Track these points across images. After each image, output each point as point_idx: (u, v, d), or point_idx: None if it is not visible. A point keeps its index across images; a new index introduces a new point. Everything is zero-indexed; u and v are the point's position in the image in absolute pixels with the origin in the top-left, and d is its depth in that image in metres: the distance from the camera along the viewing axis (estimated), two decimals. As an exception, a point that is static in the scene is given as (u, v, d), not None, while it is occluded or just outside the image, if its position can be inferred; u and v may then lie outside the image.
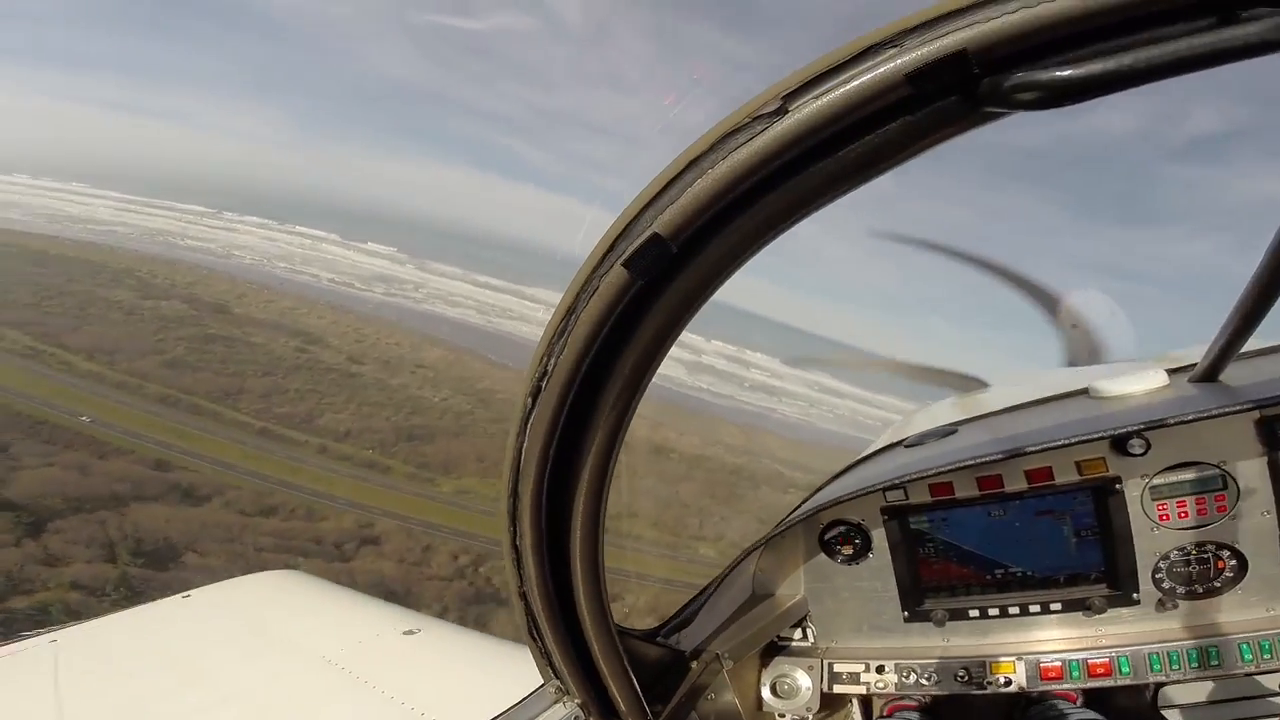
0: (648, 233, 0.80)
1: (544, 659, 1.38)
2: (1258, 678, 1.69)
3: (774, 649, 2.03)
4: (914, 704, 2.57)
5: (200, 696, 2.87)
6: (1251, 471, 1.61)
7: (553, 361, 0.95)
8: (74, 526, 35.40)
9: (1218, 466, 1.62)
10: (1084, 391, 1.92)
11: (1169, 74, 0.62)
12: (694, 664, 1.67)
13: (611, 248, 0.84)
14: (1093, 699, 2.26)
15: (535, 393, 0.99)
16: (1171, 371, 1.79)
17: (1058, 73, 0.61)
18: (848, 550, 1.94)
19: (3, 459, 40.63)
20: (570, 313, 0.90)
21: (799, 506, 1.97)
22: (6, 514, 34.52)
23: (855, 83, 0.66)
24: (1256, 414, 1.57)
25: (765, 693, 1.99)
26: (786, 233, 0.87)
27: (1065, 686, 1.77)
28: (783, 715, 2.01)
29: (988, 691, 1.81)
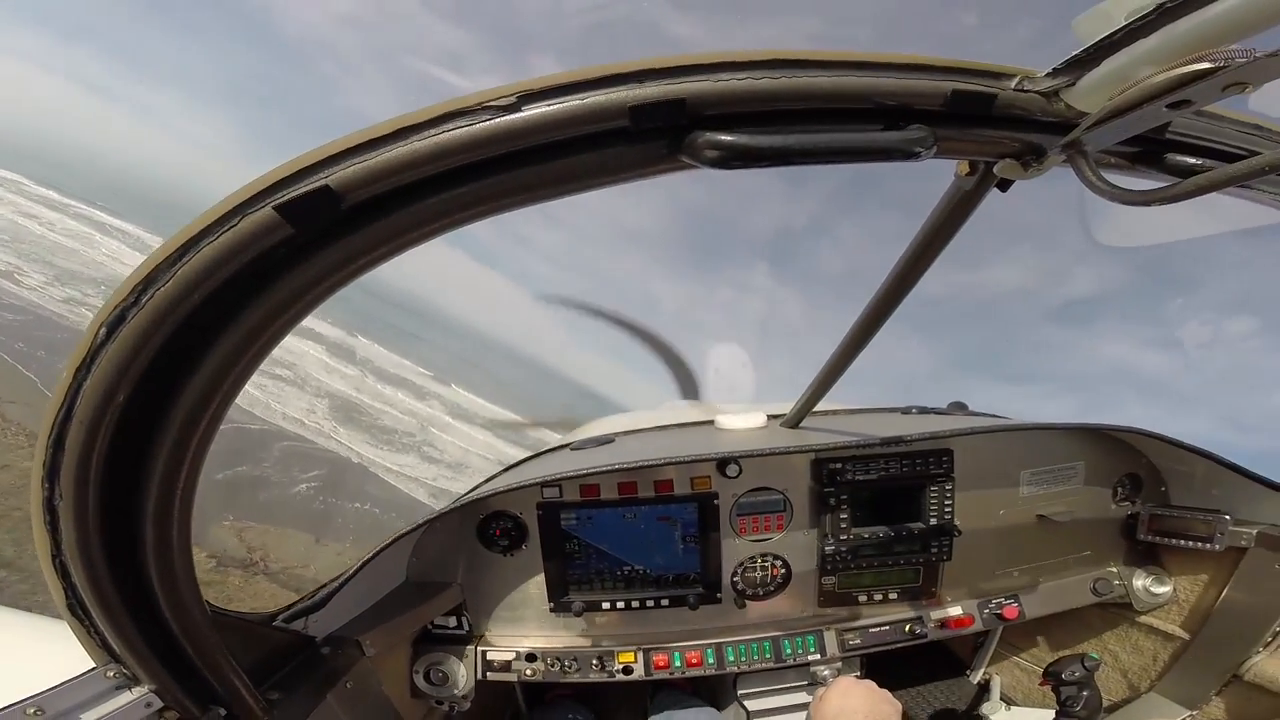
0: (320, 183, 0.73)
1: (93, 639, 1.21)
2: (811, 668, 2.12)
3: (430, 637, 2.06)
4: (570, 691, 2.78)
5: None
6: (802, 499, 2.11)
7: (152, 291, 0.80)
8: None
9: (782, 492, 2.09)
10: (711, 422, 2.35)
11: (823, 158, 0.74)
12: (325, 650, 1.60)
13: (270, 189, 0.74)
14: (701, 685, 2.66)
15: (116, 323, 0.82)
16: (771, 416, 2.29)
17: (738, 139, 0.71)
18: (504, 542, 2.06)
19: None
20: (192, 243, 0.77)
21: (463, 495, 2.04)
22: None
23: (586, 100, 0.70)
24: (813, 455, 2.07)
25: (419, 680, 2.01)
26: (464, 228, 0.81)
27: (670, 676, 2.05)
28: (440, 702, 2.04)
29: (617, 680, 2.03)
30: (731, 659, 2.06)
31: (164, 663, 1.29)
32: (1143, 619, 2.28)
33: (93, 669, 1.33)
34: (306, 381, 26.55)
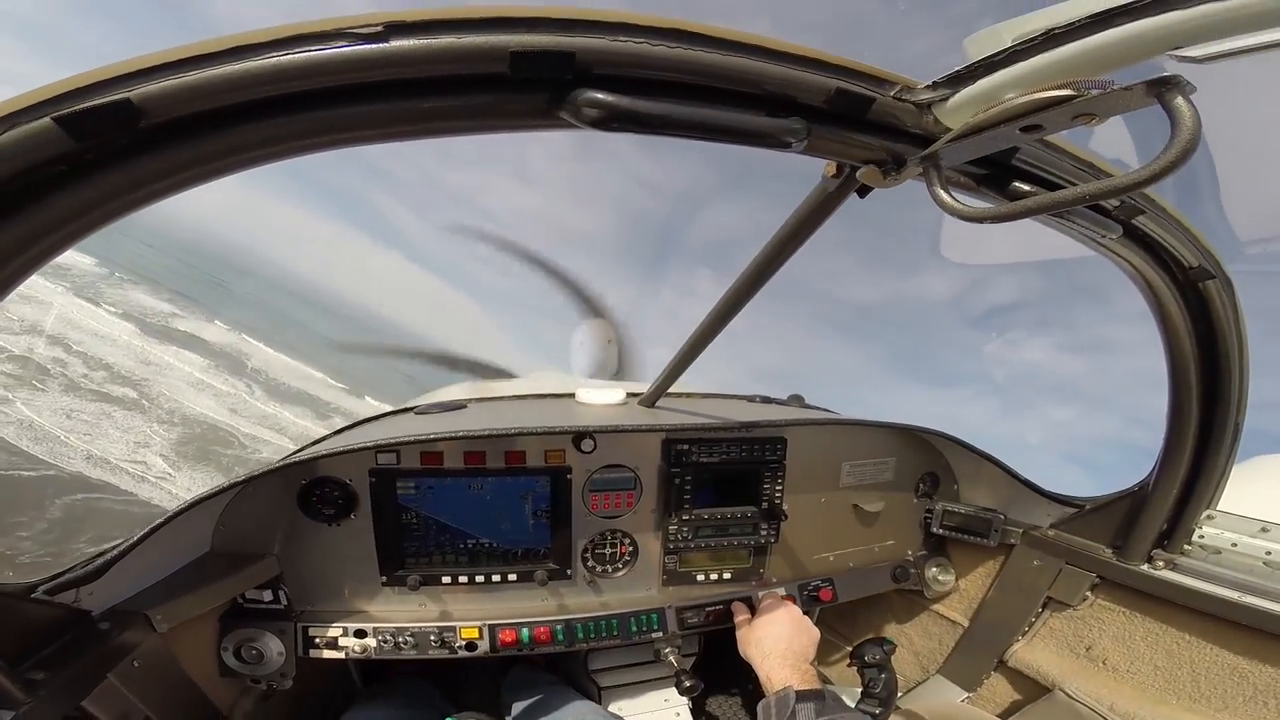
0: (119, 97, 0.62)
1: None
2: (655, 645, 2.15)
3: (241, 612, 1.86)
4: (415, 668, 2.61)
5: None
6: (651, 478, 2.17)
7: None
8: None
9: (634, 470, 2.14)
10: (573, 395, 2.36)
11: (700, 134, 0.74)
12: (104, 626, 1.40)
13: (54, 100, 0.62)
14: (551, 662, 2.61)
15: None
16: (630, 395, 2.34)
17: (620, 100, 0.69)
18: (329, 510, 1.90)
19: None
20: None
21: (284, 458, 1.85)
22: None
23: (464, 39, 0.65)
24: (664, 435, 2.14)
25: (229, 658, 1.80)
26: (274, 163, 0.72)
27: (519, 652, 1.99)
28: (256, 680, 1.84)
29: (459, 655, 1.94)
30: (581, 636, 2.04)
31: None
32: (934, 606, 2.60)
33: None
34: (155, 403, 18.65)
